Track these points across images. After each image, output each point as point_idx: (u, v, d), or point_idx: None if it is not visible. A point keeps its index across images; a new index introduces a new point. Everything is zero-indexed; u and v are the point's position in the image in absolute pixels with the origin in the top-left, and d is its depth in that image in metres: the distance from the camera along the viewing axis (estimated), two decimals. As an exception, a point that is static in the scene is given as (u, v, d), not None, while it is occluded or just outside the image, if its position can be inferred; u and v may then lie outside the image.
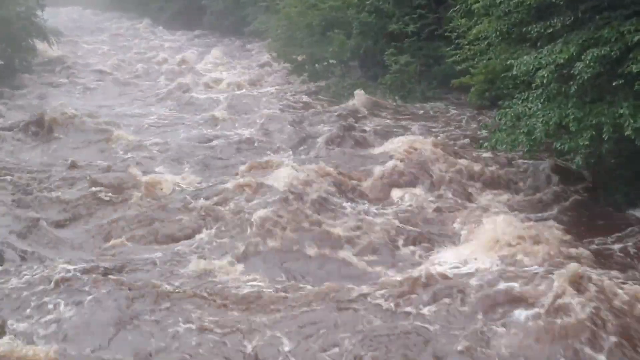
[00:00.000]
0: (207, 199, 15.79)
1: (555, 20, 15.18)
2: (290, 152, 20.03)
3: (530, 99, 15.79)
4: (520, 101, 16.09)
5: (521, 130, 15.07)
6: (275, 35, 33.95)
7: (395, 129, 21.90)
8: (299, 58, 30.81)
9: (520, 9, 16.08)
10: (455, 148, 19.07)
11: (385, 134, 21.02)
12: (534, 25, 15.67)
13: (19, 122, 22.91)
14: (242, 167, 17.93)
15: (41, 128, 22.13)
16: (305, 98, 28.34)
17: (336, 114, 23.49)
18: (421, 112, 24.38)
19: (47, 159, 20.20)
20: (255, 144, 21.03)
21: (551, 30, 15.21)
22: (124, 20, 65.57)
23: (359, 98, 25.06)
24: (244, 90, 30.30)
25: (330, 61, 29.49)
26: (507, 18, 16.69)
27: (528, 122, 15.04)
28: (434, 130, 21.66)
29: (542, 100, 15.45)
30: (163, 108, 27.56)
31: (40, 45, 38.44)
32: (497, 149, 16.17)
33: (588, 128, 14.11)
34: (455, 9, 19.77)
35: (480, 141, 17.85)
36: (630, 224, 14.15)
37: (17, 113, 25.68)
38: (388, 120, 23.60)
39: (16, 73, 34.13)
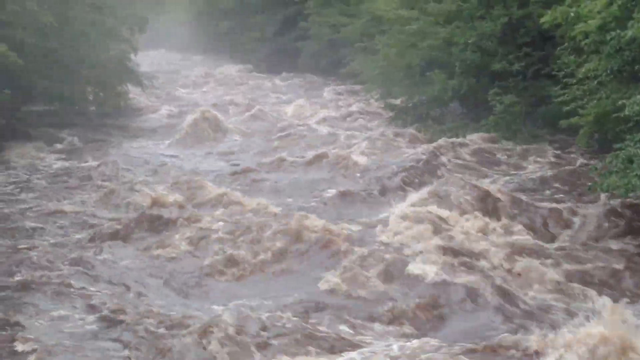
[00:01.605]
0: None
1: (671, 58, 14.70)
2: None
3: (645, 141, 15.28)
4: (633, 143, 15.56)
5: (634, 173, 14.57)
6: (373, 77, 33.74)
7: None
8: (399, 101, 30.44)
9: (632, 46, 15.65)
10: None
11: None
12: (648, 63, 15.21)
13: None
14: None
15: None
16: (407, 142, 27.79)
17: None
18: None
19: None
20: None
21: (668, 68, 14.73)
22: (214, 63, 65.58)
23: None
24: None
25: (431, 104, 29.09)
26: (618, 56, 16.30)
27: (643, 165, 14.54)
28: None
29: (657, 143, 14.94)
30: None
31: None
32: (610, 192, 15.67)
33: None
34: (563, 46, 19.28)
35: (590, 184, 17.27)
36: None
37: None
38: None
39: (107, 119, 34.40)
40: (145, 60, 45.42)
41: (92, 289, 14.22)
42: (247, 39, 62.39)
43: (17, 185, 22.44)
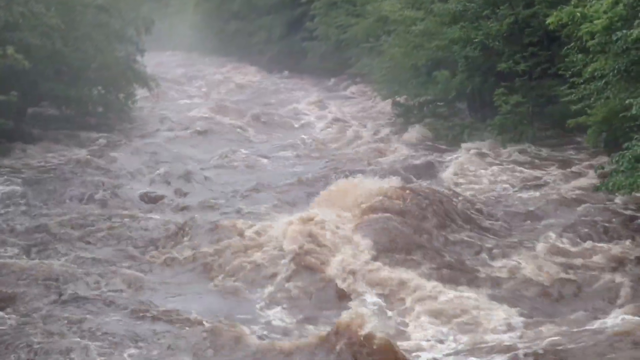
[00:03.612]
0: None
1: (675, 58, 14.73)
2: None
3: (653, 140, 15.33)
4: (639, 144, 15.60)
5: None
6: (380, 77, 33.82)
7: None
8: (404, 101, 30.55)
9: (638, 46, 15.60)
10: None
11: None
12: (654, 63, 15.24)
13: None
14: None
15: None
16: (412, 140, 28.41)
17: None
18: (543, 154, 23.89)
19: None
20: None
21: (672, 68, 14.76)
22: (221, 63, 65.68)
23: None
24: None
25: (438, 103, 29.15)
26: (625, 55, 16.28)
27: (650, 166, 14.58)
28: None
29: (662, 141, 14.97)
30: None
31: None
32: (615, 192, 15.72)
33: None
34: (569, 46, 19.26)
35: (597, 184, 17.33)
36: None
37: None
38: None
39: (114, 122, 34.52)
40: (151, 62, 45.24)
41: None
42: (254, 40, 62.58)
43: (24, 185, 22.55)
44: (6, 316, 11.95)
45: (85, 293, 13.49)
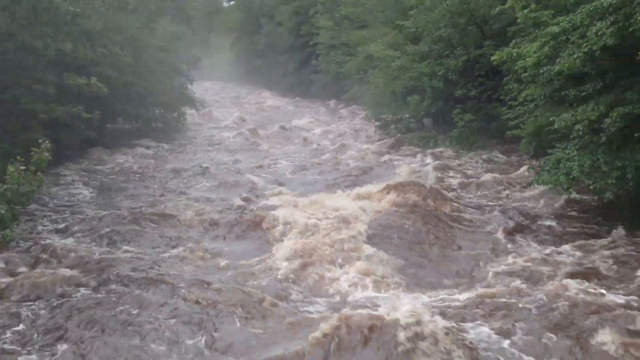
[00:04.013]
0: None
1: (588, 86, 14.80)
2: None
3: (568, 147, 15.51)
4: (560, 149, 15.74)
5: (561, 172, 14.75)
6: (368, 101, 33.95)
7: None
8: (386, 118, 30.65)
9: (559, 77, 15.69)
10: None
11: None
12: (571, 90, 15.32)
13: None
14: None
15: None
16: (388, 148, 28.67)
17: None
18: (484, 157, 23.88)
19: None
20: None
21: (585, 93, 14.88)
22: (250, 91, 65.56)
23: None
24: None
25: (410, 120, 29.25)
26: (549, 85, 16.36)
27: (566, 165, 14.75)
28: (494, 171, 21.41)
29: (577, 148, 15.21)
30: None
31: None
32: (542, 186, 15.92)
33: (615, 169, 13.67)
34: (508, 77, 19.41)
35: (529, 181, 17.46)
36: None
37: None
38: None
39: (171, 133, 34.67)
40: (199, 89, 45.31)
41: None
42: (274, 73, 62.66)
43: (103, 179, 22.86)
44: (99, 296, 11.02)
45: (169, 271, 12.55)
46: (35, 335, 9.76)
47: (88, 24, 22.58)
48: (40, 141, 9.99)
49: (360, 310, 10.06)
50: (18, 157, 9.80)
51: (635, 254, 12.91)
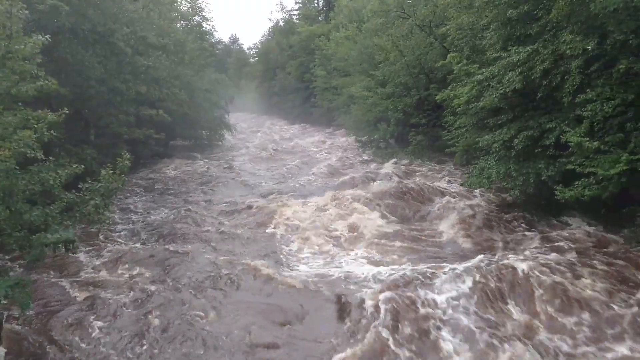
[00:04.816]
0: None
1: (502, 117, 14.83)
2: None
3: (489, 159, 15.47)
4: (483, 160, 15.74)
5: (484, 176, 14.73)
6: (350, 126, 33.88)
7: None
8: (363, 139, 30.52)
9: (482, 111, 15.69)
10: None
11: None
12: (491, 119, 15.35)
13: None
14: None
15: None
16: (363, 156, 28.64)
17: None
18: (430, 166, 23.69)
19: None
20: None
21: (500, 122, 14.92)
22: (268, 119, 65.44)
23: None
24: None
25: (380, 140, 29.13)
26: (475, 116, 16.32)
27: (488, 172, 14.66)
28: (438, 176, 21.24)
29: (495, 160, 15.13)
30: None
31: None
32: (470, 187, 15.88)
33: (521, 175, 13.71)
34: (447, 110, 19.41)
35: (461, 182, 17.50)
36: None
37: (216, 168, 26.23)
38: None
39: (214, 148, 34.51)
40: (232, 118, 45.16)
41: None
42: (285, 106, 62.52)
43: (173, 181, 22.88)
44: (161, 287, 10.35)
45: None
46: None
47: (156, 73, 22.63)
48: (123, 153, 10.01)
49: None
50: (108, 164, 9.82)
51: (529, 232, 13.10)
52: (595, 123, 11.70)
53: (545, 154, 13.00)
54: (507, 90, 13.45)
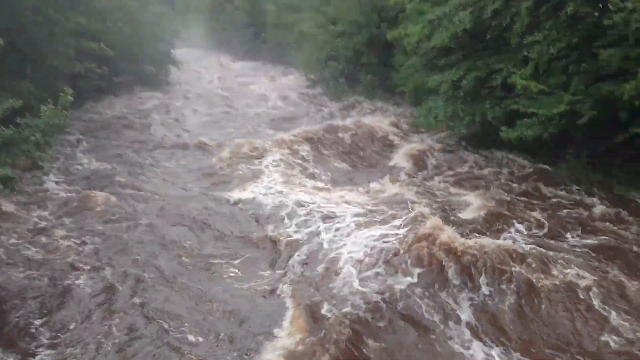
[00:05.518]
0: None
1: (452, 57, 14.91)
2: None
3: (437, 99, 15.64)
4: (431, 101, 15.90)
5: (432, 117, 14.95)
6: (302, 64, 33.28)
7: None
8: (313, 77, 30.17)
9: (432, 51, 15.73)
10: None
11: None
12: (440, 59, 15.37)
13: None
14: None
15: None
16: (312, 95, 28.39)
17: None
18: (379, 106, 23.66)
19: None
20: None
21: (450, 62, 14.95)
22: (214, 55, 62.95)
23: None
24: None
25: (330, 79, 28.89)
26: (425, 56, 16.33)
27: (436, 112, 14.91)
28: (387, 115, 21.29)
29: (444, 100, 15.31)
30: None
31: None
32: (418, 127, 16.14)
33: (468, 114, 13.99)
34: (398, 50, 19.37)
35: (411, 122, 17.70)
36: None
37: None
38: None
39: (160, 84, 33.53)
40: (179, 54, 43.43)
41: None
42: (233, 41, 60.67)
43: (116, 118, 22.17)
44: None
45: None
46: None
47: (98, 4, 21.53)
48: (65, 88, 9.57)
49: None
50: (49, 100, 9.39)
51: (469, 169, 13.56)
52: (540, 65, 11.95)
53: (492, 95, 13.26)
54: (458, 30, 13.48)
